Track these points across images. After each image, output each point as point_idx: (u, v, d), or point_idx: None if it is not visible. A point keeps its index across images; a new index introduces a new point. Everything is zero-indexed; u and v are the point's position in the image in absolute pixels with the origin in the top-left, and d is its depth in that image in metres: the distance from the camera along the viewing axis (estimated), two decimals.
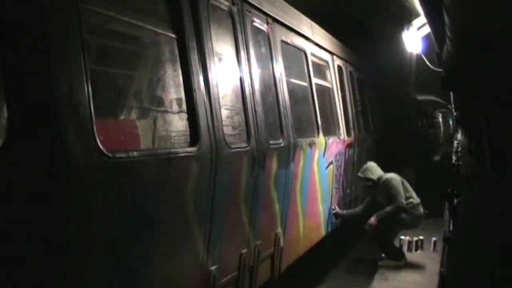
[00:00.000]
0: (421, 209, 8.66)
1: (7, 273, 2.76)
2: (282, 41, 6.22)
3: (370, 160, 9.18)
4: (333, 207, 8.37)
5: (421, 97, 23.80)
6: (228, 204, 4.59)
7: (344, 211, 8.85)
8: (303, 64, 7.23)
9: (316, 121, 7.28)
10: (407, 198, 8.46)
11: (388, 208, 8.33)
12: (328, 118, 8.37)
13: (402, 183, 8.54)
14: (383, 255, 8.64)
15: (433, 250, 9.14)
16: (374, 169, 8.71)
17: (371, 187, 8.74)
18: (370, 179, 8.64)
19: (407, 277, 8.01)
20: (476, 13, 2.60)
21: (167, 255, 3.72)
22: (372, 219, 8.35)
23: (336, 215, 8.50)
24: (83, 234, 2.91)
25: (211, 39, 4.41)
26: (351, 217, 9.17)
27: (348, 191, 9.46)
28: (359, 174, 8.92)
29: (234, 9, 4.98)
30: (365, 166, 8.88)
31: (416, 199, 8.63)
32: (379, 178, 8.58)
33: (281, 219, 5.94)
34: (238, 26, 5.03)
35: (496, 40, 2.89)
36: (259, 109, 5.22)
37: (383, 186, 8.50)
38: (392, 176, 8.58)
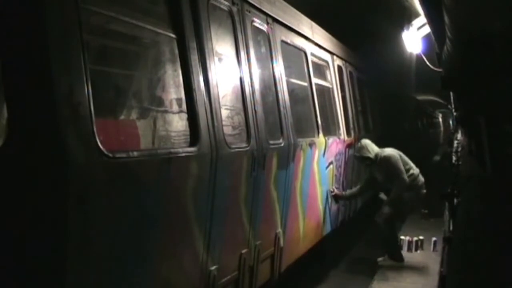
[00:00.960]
0: (422, 179, 8.57)
1: (7, 273, 2.76)
2: (282, 41, 6.22)
3: None
4: (331, 189, 8.19)
5: (421, 97, 23.84)
6: (228, 204, 4.59)
7: (344, 192, 8.75)
8: (303, 64, 7.23)
9: (316, 121, 7.28)
10: (407, 170, 8.37)
11: (394, 191, 8.25)
12: (328, 118, 8.36)
13: (400, 157, 8.43)
14: (384, 256, 8.59)
15: (433, 250, 9.14)
16: (370, 147, 8.51)
17: (369, 165, 8.61)
18: (367, 158, 8.45)
19: (407, 277, 8.01)
20: (476, 13, 2.60)
21: (167, 255, 3.72)
22: (386, 209, 8.24)
23: (336, 197, 8.36)
24: (83, 234, 2.90)
25: (211, 39, 4.41)
26: (351, 197, 9.12)
27: None
28: (355, 153, 8.75)
29: (234, 9, 4.98)
30: (359, 144, 8.66)
31: (415, 170, 8.55)
32: (376, 155, 8.42)
33: (281, 219, 5.94)
34: (238, 26, 5.03)
35: (496, 40, 2.89)
36: (259, 109, 5.22)
37: (382, 164, 8.36)
38: (389, 153, 8.43)
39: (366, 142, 8.64)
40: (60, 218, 2.79)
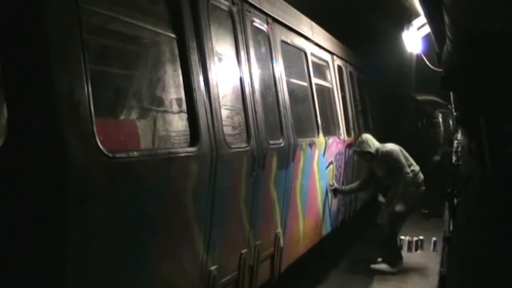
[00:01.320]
0: (422, 176, 8.53)
1: (7, 273, 2.76)
2: (282, 41, 6.22)
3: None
4: (331, 184, 8.15)
5: (421, 97, 23.83)
6: (228, 204, 4.59)
7: (343, 187, 8.70)
8: (303, 64, 7.23)
9: (316, 121, 7.28)
10: (408, 166, 8.32)
11: (400, 188, 8.19)
12: (328, 118, 8.36)
13: (401, 152, 8.40)
14: (379, 259, 8.52)
15: (433, 250, 9.14)
16: (370, 141, 8.45)
17: (369, 160, 8.55)
18: (368, 152, 8.38)
19: (407, 277, 8.02)
20: (476, 13, 2.60)
21: (167, 255, 3.72)
22: (399, 207, 8.13)
23: (336, 191, 8.31)
24: (83, 234, 2.91)
25: (211, 39, 4.41)
26: (351, 192, 9.10)
27: None
28: (355, 148, 8.67)
29: (234, 9, 4.98)
30: (360, 139, 8.60)
31: (416, 166, 8.52)
32: (377, 150, 8.37)
33: (281, 219, 5.94)
34: (238, 26, 5.03)
35: (496, 40, 2.89)
36: (259, 109, 5.22)
37: (383, 159, 8.31)
38: (391, 148, 8.39)
39: (367, 136, 8.59)
40: (60, 218, 2.79)
